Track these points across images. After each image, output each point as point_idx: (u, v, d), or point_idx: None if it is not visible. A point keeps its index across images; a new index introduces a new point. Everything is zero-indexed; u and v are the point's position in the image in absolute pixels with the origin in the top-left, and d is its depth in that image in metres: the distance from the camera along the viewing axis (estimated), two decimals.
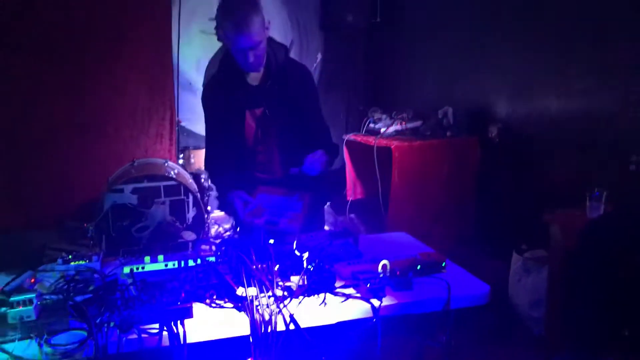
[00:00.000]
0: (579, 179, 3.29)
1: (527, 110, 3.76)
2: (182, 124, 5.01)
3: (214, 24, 5.19)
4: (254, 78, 2.49)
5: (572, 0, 3.33)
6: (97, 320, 1.58)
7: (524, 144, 3.80)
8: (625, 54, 3.02)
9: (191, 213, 3.65)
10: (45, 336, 1.54)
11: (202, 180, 4.19)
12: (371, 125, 4.61)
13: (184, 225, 3.66)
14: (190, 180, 3.83)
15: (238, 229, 2.73)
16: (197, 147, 5.12)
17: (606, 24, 3.11)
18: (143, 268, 1.96)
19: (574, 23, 3.33)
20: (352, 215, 4.87)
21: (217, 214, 4.68)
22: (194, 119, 5.11)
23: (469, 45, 4.31)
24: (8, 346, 1.53)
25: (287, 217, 2.35)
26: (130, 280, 1.82)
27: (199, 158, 5.15)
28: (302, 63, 2.67)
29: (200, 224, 3.68)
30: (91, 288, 1.80)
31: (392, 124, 4.45)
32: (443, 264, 2.05)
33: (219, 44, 5.30)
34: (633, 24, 2.96)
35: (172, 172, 3.79)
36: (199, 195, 3.57)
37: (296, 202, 2.41)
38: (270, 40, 2.46)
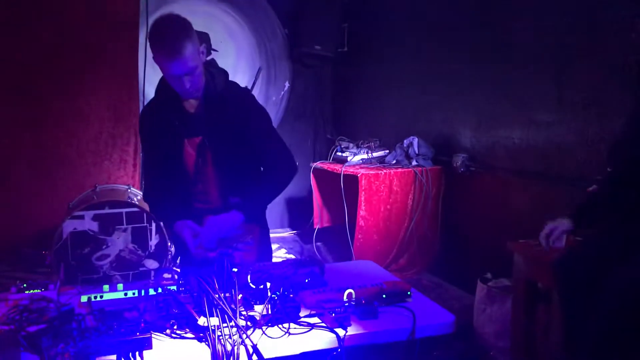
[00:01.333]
0: (541, 208, 3.34)
1: (490, 140, 3.83)
2: None
3: None
4: (191, 105, 2.35)
5: (535, 37, 3.43)
6: (51, 352, 1.51)
7: (487, 174, 3.86)
8: (583, 90, 3.11)
9: (154, 240, 3.59)
10: None
11: None
12: (338, 153, 4.64)
13: (146, 253, 3.60)
14: None
15: (178, 260, 2.60)
16: None
17: (567, 62, 3.21)
18: (101, 297, 1.90)
19: (537, 58, 3.42)
20: (319, 244, 4.85)
21: None
22: None
23: (435, 76, 4.40)
24: None
25: (240, 248, 2.24)
26: (87, 310, 1.76)
27: None
28: (244, 87, 2.55)
29: (163, 251, 3.61)
30: (46, 318, 1.72)
31: (358, 153, 4.48)
32: (409, 293, 2.04)
33: None
34: (590, 63, 3.07)
35: (134, 199, 3.73)
36: (160, 222, 3.51)
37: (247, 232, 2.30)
38: (209, 64, 2.37)
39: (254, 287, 1.93)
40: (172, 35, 2.12)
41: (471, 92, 4.00)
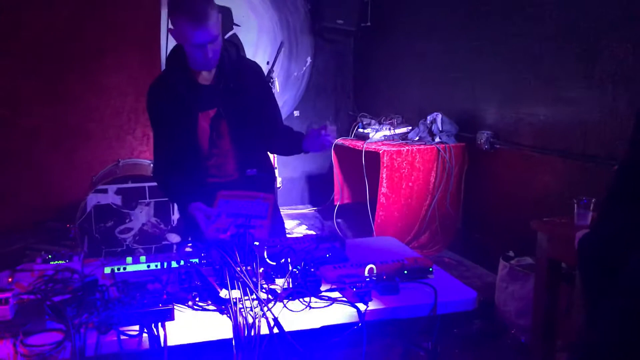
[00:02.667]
0: (567, 186, 3.29)
1: (516, 117, 3.77)
2: None
3: None
4: (204, 77, 2.33)
5: (561, 10, 3.34)
6: (75, 321, 1.54)
7: (511, 151, 3.80)
8: (612, 64, 3.03)
9: (176, 215, 3.62)
10: (21, 337, 1.50)
11: None
12: (360, 130, 4.60)
13: (169, 227, 3.63)
14: None
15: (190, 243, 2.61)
16: None
17: (595, 35, 3.12)
18: (125, 269, 1.92)
19: (562, 33, 3.34)
20: (340, 220, 4.84)
21: None
22: None
23: (460, 51, 4.32)
24: None
25: (253, 225, 2.21)
26: (111, 281, 1.78)
27: None
28: (254, 61, 2.55)
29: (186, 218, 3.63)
30: (70, 288, 1.75)
31: (380, 129, 4.45)
32: (430, 269, 2.02)
33: None
34: (620, 35, 2.97)
35: None
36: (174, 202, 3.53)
37: (261, 204, 2.27)
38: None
39: (273, 264, 1.93)
40: (197, 3, 2.10)
41: (496, 68, 3.92)
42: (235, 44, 2.42)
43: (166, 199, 3.57)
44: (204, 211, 2.20)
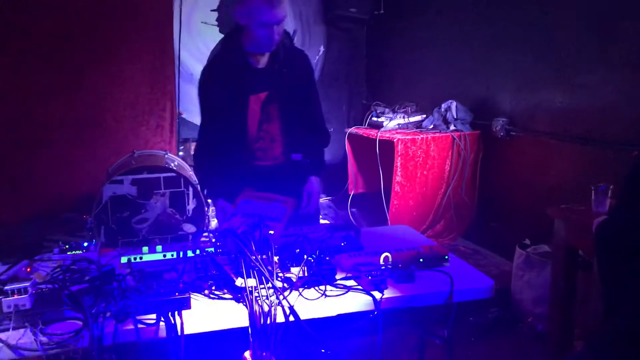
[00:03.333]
0: (584, 173, 3.25)
1: (531, 104, 3.72)
2: (183, 115, 4.97)
3: (215, 15, 5.22)
4: (257, 60, 2.39)
5: None
6: (93, 310, 1.55)
7: (528, 138, 3.76)
8: (630, 49, 2.97)
9: (191, 205, 3.64)
10: (40, 325, 1.51)
11: None
12: (374, 118, 4.58)
13: (184, 217, 3.65)
14: (190, 172, 3.81)
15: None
16: None
17: (611, 19, 3.07)
18: (141, 258, 1.94)
19: (579, 16, 3.29)
20: (354, 210, 4.83)
21: None
22: (195, 111, 5.02)
23: (473, 38, 4.27)
24: (2, 335, 1.50)
25: (266, 226, 2.26)
26: (127, 270, 1.80)
27: None
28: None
29: (200, 216, 3.66)
30: (87, 278, 1.76)
31: (394, 118, 4.42)
32: (446, 257, 2.01)
33: (221, 36, 5.27)
34: (636, 18, 2.92)
35: (172, 164, 3.77)
36: (199, 187, 3.54)
37: (279, 208, 2.28)
38: None
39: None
40: None
41: (511, 54, 3.87)
42: (287, 32, 2.46)
43: (182, 189, 3.60)
44: (224, 208, 2.30)
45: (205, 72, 2.46)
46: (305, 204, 2.44)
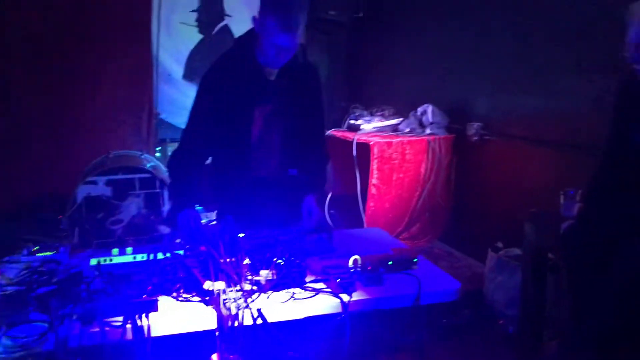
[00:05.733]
0: (556, 177, 3.30)
1: (505, 109, 3.77)
2: (161, 116, 4.94)
3: (194, 15, 5.21)
4: (270, 72, 2.32)
5: (552, 1, 3.34)
6: (59, 313, 1.55)
7: (501, 142, 3.81)
8: (602, 56, 3.03)
9: (166, 206, 3.62)
10: (4, 328, 1.51)
11: None
12: (352, 121, 4.60)
13: (159, 218, 3.63)
14: (166, 173, 3.79)
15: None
16: (175, 140, 5.07)
17: (586, 26, 3.12)
18: (111, 260, 1.93)
19: (555, 23, 3.34)
20: (332, 211, 4.85)
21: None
22: (173, 111, 5.06)
23: (450, 43, 4.31)
24: None
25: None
26: (96, 272, 1.79)
27: None
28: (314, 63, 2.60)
29: (175, 217, 3.63)
30: (55, 280, 1.75)
31: (372, 120, 4.45)
32: (415, 260, 2.04)
33: (200, 36, 5.26)
34: (610, 25, 2.97)
35: (148, 165, 3.75)
36: (168, 189, 3.53)
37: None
38: None
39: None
40: (295, 8, 2.12)
41: (487, 59, 3.92)
42: (303, 46, 2.42)
43: (157, 190, 3.57)
44: (189, 227, 2.21)
45: (213, 71, 2.37)
46: (306, 220, 2.37)
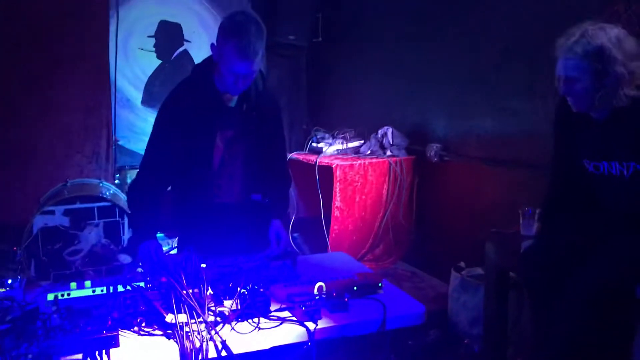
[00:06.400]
0: (514, 197, 3.36)
1: (463, 130, 3.85)
2: (120, 142, 4.87)
3: (152, 41, 5.18)
4: (229, 98, 2.34)
5: (508, 27, 3.44)
6: (13, 353, 1.49)
7: (460, 163, 3.88)
8: (553, 77, 3.12)
9: (127, 235, 3.55)
10: None
11: None
12: (314, 144, 4.62)
13: (119, 247, 3.55)
14: (126, 202, 3.72)
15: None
16: (135, 167, 4.99)
17: (536, 49, 3.22)
18: (69, 294, 1.87)
19: (507, 46, 3.44)
20: (295, 235, 4.83)
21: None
22: (132, 137, 4.99)
23: (409, 66, 4.39)
24: None
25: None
26: (54, 308, 1.73)
27: None
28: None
29: (136, 248, 3.56)
30: (9, 318, 1.69)
31: (334, 143, 4.47)
32: (380, 285, 2.04)
33: (158, 62, 5.23)
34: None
35: (107, 193, 3.68)
36: (128, 219, 3.47)
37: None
38: None
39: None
40: (253, 36, 2.12)
41: (445, 82, 4.00)
42: (262, 73, 2.43)
43: (116, 218, 3.51)
44: (151, 260, 2.17)
45: (172, 99, 2.36)
46: (274, 246, 2.37)
